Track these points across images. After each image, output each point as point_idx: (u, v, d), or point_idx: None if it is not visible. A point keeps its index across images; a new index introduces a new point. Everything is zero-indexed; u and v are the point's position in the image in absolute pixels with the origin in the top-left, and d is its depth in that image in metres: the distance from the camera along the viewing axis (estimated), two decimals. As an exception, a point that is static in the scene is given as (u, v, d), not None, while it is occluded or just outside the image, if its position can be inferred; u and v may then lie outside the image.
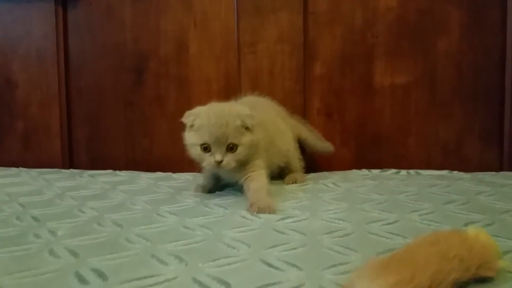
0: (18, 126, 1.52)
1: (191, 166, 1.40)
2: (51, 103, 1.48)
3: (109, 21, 1.43)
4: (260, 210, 0.83)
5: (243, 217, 0.82)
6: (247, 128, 0.94)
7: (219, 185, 1.08)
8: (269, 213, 0.83)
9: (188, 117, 0.96)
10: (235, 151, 0.92)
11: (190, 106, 1.39)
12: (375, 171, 1.25)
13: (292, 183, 1.13)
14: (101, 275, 0.55)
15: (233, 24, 1.35)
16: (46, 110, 1.49)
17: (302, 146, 1.25)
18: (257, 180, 0.95)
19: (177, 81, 1.40)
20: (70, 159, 1.49)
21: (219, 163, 0.91)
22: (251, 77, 1.35)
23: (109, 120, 1.46)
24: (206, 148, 0.92)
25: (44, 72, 1.48)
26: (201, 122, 0.93)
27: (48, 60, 1.47)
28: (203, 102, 1.36)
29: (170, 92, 1.41)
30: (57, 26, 1.45)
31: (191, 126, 0.95)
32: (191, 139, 0.95)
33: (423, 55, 1.27)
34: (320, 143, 1.27)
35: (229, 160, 0.92)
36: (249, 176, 0.97)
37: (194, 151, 0.95)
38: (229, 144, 0.92)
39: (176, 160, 1.41)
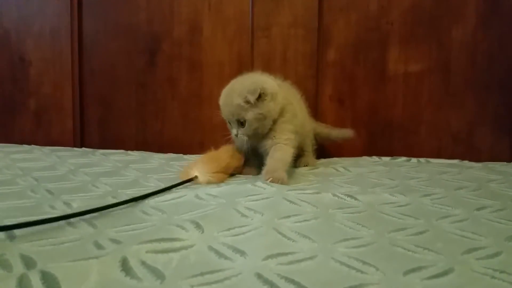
0: (31, 104, 1.53)
1: (201, 148, 1.42)
2: (64, 82, 1.49)
3: (124, 1, 1.43)
4: (273, 180, 0.87)
5: (255, 185, 0.83)
6: (252, 102, 0.95)
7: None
8: (281, 184, 0.86)
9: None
10: (244, 125, 0.98)
11: (202, 89, 1.42)
12: (386, 158, 1.25)
13: (304, 166, 1.14)
14: (119, 244, 0.55)
15: (247, 8, 1.34)
16: (59, 89, 1.50)
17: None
18: (282, 151, 0.98)
19: (190, 64, 1.41)
20: (82, 139, 1.50)
21: (236, 135, 0.99)
22: (264, 61, 1.35)
23: (121, 101, 1.47)
24: (229, 122, 1.01)
25: (58, 51, 1.49)
26: (220, 101, 1.01)
27: (62, 39, 1.48)
28: (215, 85, 1.39)
29: (182, 74, 1.41)
30: (72, 5, 1.45)
31: None
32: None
33: (438, 43, 1.27)
34: (336, 130, 1.26)
35: (241, 133, 0.99)
36: (276, 145, 0.99)
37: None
38: (237, 119, 0.97)
39: (186, 143, 1.42)
